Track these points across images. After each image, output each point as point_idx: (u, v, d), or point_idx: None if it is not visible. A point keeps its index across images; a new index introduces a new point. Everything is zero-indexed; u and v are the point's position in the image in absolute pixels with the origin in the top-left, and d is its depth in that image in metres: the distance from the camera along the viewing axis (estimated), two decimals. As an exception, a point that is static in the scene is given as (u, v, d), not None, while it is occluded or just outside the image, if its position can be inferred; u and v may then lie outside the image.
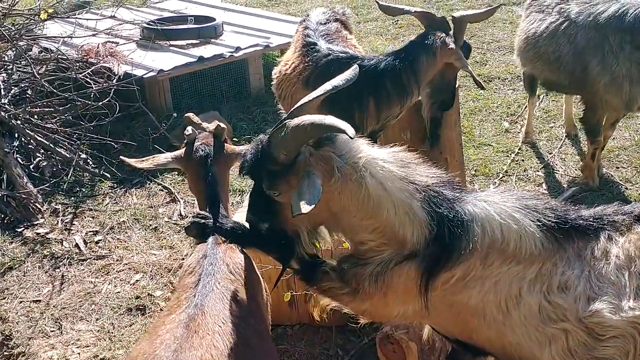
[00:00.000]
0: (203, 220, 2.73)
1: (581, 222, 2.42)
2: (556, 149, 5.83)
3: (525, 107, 6.14)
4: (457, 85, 4.27)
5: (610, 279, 2.29)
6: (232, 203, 5.76)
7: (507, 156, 5.76)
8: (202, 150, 3.02)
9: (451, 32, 3.97)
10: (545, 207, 2.47)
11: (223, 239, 2.69)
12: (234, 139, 6.26)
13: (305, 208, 2.20)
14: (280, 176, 2.36)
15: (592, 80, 4.78)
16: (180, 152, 3.10)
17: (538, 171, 5.56)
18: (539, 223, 2.41)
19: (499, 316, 2.46)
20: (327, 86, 2.54)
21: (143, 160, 3.07)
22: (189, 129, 3.13)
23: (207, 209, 2.82)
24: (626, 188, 5.31)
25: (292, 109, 2.51)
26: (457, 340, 2.81)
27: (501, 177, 5.38)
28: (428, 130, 4.26)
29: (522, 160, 5.73)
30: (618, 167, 5.65)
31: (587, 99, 5.03)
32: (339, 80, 2.58)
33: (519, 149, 5.85)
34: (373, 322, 3.02)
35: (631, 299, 2.23)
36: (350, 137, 2.26)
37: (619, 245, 2.33)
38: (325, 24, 4.54)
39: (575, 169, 5.52)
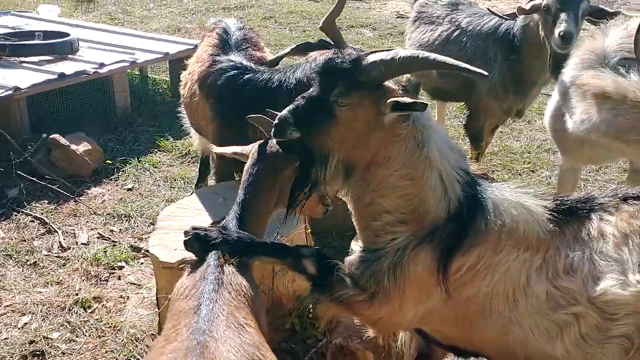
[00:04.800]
0: (205, 233, 2.41)
1: (574, 205, 2.44)
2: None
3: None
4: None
5: (612, 257, 2.31)
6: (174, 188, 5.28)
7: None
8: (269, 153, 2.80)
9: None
10: (542, 193, 2.48)
11: (228, 254, 2.39)
12: (108, 161, 5.72)
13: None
14: (360, 89, 2.36)
15: (477, 87, 5.01)
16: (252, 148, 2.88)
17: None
18: (542, 207, 2.41)
19: (505, 310, 2.40)
20: None
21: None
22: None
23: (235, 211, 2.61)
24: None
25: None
26: (451, 347, 2.70)
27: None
28: None
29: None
30: (494, 171, 5.97)
31: (471, 105, 5.27)
32: None
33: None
34: (380, 335, 2.81)
35: (637, 272, 2.26)
36: None
37: (612, 224, 2.37)
38: (237, 32, 4.34)
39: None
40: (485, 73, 2.41)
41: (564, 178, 4.35)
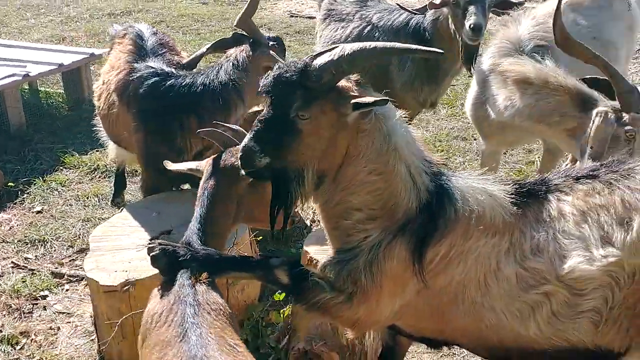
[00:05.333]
0: (173, 249, 2.24)
1: (532, 188, 2.52)
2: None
3: None
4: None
5: (574, 235, 2.39)
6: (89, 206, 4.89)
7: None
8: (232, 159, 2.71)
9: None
10: (501, 179, 2.54)
11: (198, 271, 2.24)
12: (10, 183, 5.31)
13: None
14: (317, 98, 2.30)
15: (392, 80, 5.09)
16: (207, 163, 2.73)
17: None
18: (504, 192, 2.47)
19: (477, 296, 2.43)
20: None
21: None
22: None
23: (196, 227, 2.49)
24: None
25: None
26: (422, 338, 2.72)
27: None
28: None
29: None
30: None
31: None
32: None
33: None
34: (359, 335, 2.76)
35: (600, 247, 2.35)
36: None
37: (570, 203, 2.46)
38: (151, 37, 4.17)
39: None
40: (440, 51, 2.43)
41: (486, 162, 4.51)
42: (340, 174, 2.41)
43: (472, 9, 4.42)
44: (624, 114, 3.36)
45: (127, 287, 3.17)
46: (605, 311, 2.37)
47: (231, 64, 3.83)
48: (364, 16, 5.15)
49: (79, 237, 4.65)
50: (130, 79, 3.87)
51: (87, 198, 5.19)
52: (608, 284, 2.35)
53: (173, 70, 3.89)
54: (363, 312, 2.45)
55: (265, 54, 3.86)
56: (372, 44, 2.37)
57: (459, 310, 2.48)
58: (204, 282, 2.27)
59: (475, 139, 6.09)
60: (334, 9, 5.40)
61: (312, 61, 2.36)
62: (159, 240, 2.43)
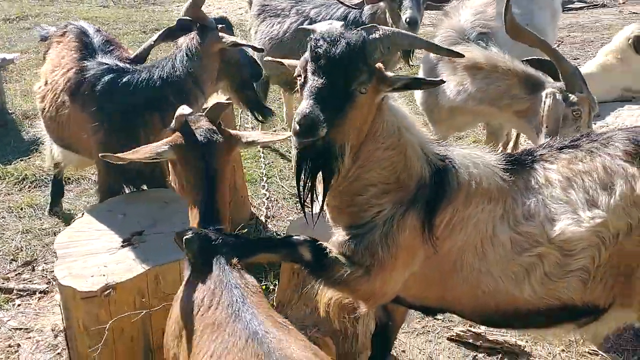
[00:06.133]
0: (206, 233, 2.21)
1: (520, 158, 2.67)
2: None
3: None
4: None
5: (562, 199, 2.56)
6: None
7: (256, 161, 5.78)
8: (206, 136, 2.46)
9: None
10: (491, 150, 2.70)
11: (231, 255, 2.23)
12: None
13: None
14: (373, 74, 2.35)
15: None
16: (177, 138, 2.46)
17: (292, 169, 5.70)
18: (496, 162, 2.62)
19: (475, 262, 2.56)
20: None
21: (134, 152, 2.45)
22: (184, 108, 2.48)
23: (203, 212, 2.35)
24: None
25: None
26: (422, 307, 2.82)
27: (266, 181, 5.38)
28: (252, 112, 4.11)
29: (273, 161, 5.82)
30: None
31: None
32: None
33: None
34: (372, 309, 2.79)
35: (586, 209, 2.53)
36: None
37: (555, 171, 2.63)
38: (96, 34, 4.02)
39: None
40: (463, 54, 2.64)
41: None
42: (360, 151, 2.47)
43: (407, 3, 4.61)
44: (569, 95, 3.63)
45: (108, 292, 3.03)
46: (592, 270, 2.54)
47: (184, 54, 3.72)
48: (300, 11, 5.22)
49: (21, 250, 4.38)
50: (84, 77, 3.68)
51: (21, 209, 4.89)
52: (595, 244, 2.52)
53: (127, 65, 3.74)
54: (379, 284, 2.53)
55: (216, 38, 3.76)
56: (410, 34, 2.58)
57: (458, 277, 2.59)
58: (238, 266, 2.23)
59: (426, 124, 6.29)
60: (268, 5, 5.42)
61: (368, 36, 2.37)
62: (190, 227, 2.36)
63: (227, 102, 2.83)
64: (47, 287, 4.01)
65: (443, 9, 4.72)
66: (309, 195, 2.44)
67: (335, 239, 2.59)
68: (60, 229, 4.51)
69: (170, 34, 3.86)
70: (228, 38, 3.82)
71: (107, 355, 3.17)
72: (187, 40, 3.79)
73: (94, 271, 3.16)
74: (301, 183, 2.41)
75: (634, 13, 9.65)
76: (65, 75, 3.79)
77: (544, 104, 3.66)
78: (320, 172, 2.39)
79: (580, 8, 10.69)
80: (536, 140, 3.72)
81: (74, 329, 3.21)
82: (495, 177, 2.59)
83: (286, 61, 2.72)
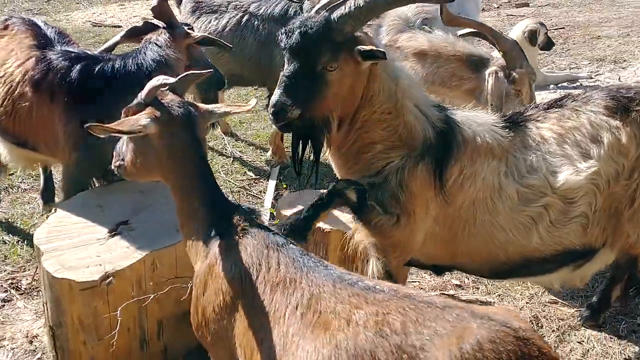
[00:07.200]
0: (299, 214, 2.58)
1: (514, 118, 2.90)
2: (230, 145, 5.97)
3: None
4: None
5: (559, 154, 2.81)
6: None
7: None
8: (184, 108, 2.27)
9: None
10: (487, 113, 2.93)
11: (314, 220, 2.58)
12: None
13: None
14: (341, 50, 2.50)
15: (276, 68, 5.23)
16: (154, 112, 2.26)
17: (233, 164, 5.66)
18: (494, 122, 2.84)
19: (485, 216, 2.76)
20: None
21: (118, 124, 2.24)
22: (159, 79, 2.32)
23: (210, 186, 2.26)
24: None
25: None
26: (434, 266, 2.95)
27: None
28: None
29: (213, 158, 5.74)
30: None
31: (270, 88, 5.44)
32: None
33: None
34: (400, 263, 2.86)
35: (582, 161, 2.80)
36: None
37: (547, 129, 2.88)
38: (47, 26, 3.87)
39: (257, 158, 5.83)
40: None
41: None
42: (355, 117, 2.64)
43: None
44: (510, 72, 3.95)
45: (109, 280, 2.90)
46: (590, 215, 2.82)
47: (154, 45, 3.63)
48: (238, 6, 5.23)
49: (-35, 261, 4.03)
50: (49, 66, 3.48)
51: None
52: (592, 190, 2.80)
53: (97, 54, 3.59)
54: (408, 233, 2.69)
55: (184, 34, 3.73)
56: None
57: (470, 233, 2.77)
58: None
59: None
60: (202, 1, 5.38)
61: (332, 14, 2.50)
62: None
63: (198, 72, 2.69)
64: (6, 296, 3.73)
65: None
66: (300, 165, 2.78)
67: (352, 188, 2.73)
68: (3, 239, 4.22)
69: (136, 32, 3.77)
70: (196, 33, 3.83)
71: (103, 347, 3.03)
72: (155, 35, 3.72)
73: (88, 262, 3.02)
74: (296, 156, 2.73)
75: (510, 15, 10.48)
76: (21, 66, 3.56)
77: (487, 82, 3.96)
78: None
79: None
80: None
81: (67, 325, 3.03)
82: (498, 135, 2.79)
83: None
